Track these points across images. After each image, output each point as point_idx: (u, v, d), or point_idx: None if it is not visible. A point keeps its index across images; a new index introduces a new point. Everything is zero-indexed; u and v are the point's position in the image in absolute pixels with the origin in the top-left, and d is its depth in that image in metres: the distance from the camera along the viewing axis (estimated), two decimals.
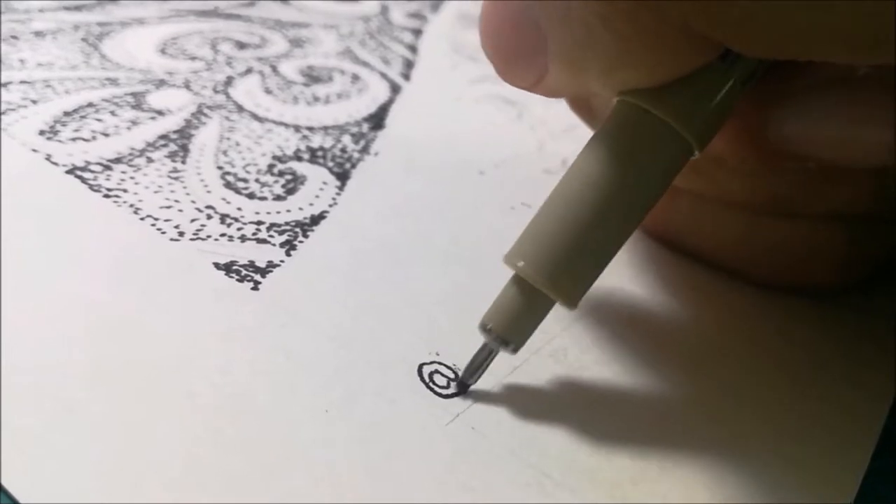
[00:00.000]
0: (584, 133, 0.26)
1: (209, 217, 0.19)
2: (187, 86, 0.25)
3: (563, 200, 0.15)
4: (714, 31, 0.13)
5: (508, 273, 0.15)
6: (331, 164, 0.22)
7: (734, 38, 0.13)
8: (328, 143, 0.23)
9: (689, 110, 0.14)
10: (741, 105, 0.15)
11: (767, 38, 0.13)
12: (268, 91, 0.25)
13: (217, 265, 0.17)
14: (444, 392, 0.15)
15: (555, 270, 0.14)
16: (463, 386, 0.16)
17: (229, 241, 0.18)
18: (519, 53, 0.15)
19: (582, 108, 0.19)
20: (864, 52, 0.12)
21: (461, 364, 0.16)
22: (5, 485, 0.12)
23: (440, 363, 0.16)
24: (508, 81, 0.16)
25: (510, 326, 0.15)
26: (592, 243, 0.14)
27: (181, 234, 0.18)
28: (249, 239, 0.18)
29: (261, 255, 0.18)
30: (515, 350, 0.15)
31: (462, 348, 0.16)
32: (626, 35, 0.13)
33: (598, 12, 0.13)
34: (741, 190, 0.18)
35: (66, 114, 0.22)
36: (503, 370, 0.16)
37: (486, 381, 0.16)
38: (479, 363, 0.15)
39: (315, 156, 0.22)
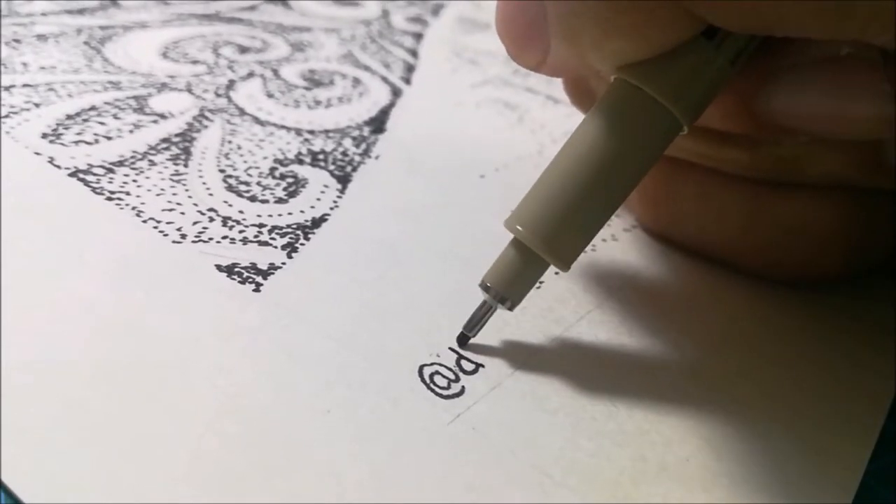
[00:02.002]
0: None
1: (211, 220, 0.19)
2: (189, 89, 0.25)
3: (559, 170, 0.16)
4: (697, 6, 0.14)
5: None
6: (332, 167, 0.22)
7: (714, 12, 0.14)
8: (329, 146, 0.23)
9: (677, 88, 0.15)
10: (733, 82, 0.16)
11: (742, 12, 0.14)
12: (269, 95, 0.25)
13: (219, 267, 0.18)
14: (445, 393, 0.15)
15: (549, 235, 0.15)
16: (464, 338, 0.17)
17: (231, 243, 0.18)
18: (525, 33, 0.16)
19: (583, 96, 0.20)
20: (833, 27, 0.14)
21: (461, 365, 0.16)
22: (9, 484, 0.12)
23: (441, 364, 0.16)
24: (518, 61, 0.17)
25: (508, 285, 0.16)
26: (585, 211, 0.16)
27: (183, 236, 0.18)
28: (251, 241, 0.19)
29: (262, 257, 0.18)
30: (512, 307, 0.16)
31: (462, 349, 0.17)
32: (616, 5, 0.14)
33: None
34: (745, 158, 0.19)
35: (69, 117, 0.22)
36: (504, 371, 0.16)
37: (487, 382, 0.16)
38: (479, 318, 0.17)
39: (316, 159, 0.22)
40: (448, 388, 0.16)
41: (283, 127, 0.24)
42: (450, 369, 0.16)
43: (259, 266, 0.18)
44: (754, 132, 0.18)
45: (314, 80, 0.27)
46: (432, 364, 0.16)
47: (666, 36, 0.15)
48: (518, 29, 0.16)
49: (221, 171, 0.21)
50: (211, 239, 0.18)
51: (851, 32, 0.14)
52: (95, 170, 0.20)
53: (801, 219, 0.19)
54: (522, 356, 0.17)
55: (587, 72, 0.18)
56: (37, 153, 0.20)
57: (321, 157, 0.23)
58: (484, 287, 0.16)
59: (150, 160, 0.21)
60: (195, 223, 0.19)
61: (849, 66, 0.16)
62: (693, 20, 0.15)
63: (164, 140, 0.22)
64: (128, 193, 0.19)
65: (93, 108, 0.23)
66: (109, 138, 0.21)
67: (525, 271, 0.16)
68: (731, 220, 0.20)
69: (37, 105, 0.22)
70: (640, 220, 0.22)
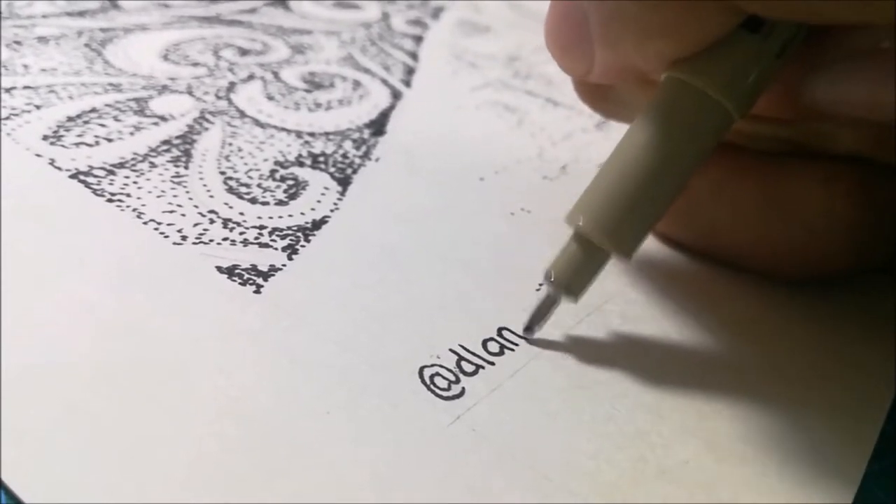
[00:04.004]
0: (583, 140, 0.26)
1: (212, 221, 0.19)
2: (190, 91, 0.25)
3: (617, 165, 0.16)
4: None
5: (508, 279, 0.17)
6: (332, 169, 0.22)
7: (753, 2, 0.14)
8: (330, 148, 0.23)
9: (727, 81, 0.16)
10: (781, 73, 0.17)
11: (781, 2, 0.14)
12: (270, 97, 0.25)
13: (220, 269, 0.18)
14: (445, 394, 0.15)
15: (611, 227, 0.16)
16: (530, 331, 0.17)
17: (232, 245, 0.18)
18: (571, 43, 0.17)
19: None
20: (868, 13, 0.14)
21: (461, 366, 0.16)
22: (9, 484, 0.12)
23: (441, 365, 0.16)
24: (567, 71, 0.18)
25: (572, 277, 0.17)
26: (644, 203, 0.16)
27: (184, 238, 0.18)
28: (252, 243, 0.19)
29: (263, 259, 0.18)
30: (576, 299, 0.17)
31: (462, 351, 0.17)
32: (652, 5, 0.15)
33: None
34: (768, 131, 0.19)
35: (70, 119, 0.22)
36: (504, 372, 0.16)
37: (487, 384, 0.16)
38: (545, 311, 0.17)
39: (317, 161, 0.22)
40: (448, 389, 0.16)
41: (283, 129, 0.24)
42: (450, 371, 0.16)
43: (259, 268, 0.18)
44: (794, 118, 0.18)
45: (314, 83, 0.27)
46: (432, 365, 0.16)
47: (704, 31, 0.15)
48: (563, 39, 0.17)
49: (222, 173, 0.21)
50: (211, 241, 0.18)
51: (883, 15, 0.14)
52: (96, 171, 0.20)
53: (815, 212, 0.19)
54: (522, 359, 0.17)
55: (633, 75, 0.18)
56: (37, 155, 0.20)
57: (321, 159, 0.23)
58: (548, 279, 0.17)
59: (150, 162, 0.21)
60: (196, 225, 0.19)
61: (890, 58, 0.16)
62: (729, 13, 0.15)
63: (165, 142, 0.22)
64: (128, 195, 0.19)
65: (93, 110, 0.23)
66: (110, 140, 0.21)
67: (588, 263, 0.17)
68: (744, 214, 0.20)
69: (37, 107, 0.22)
70: None
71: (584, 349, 0.17)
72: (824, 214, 0.19)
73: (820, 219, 0.19)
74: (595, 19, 0.16)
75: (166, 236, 0.18)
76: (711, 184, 0.20)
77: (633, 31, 0.16)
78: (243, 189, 0.21)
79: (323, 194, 0.21)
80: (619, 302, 0.19)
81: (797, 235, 0.19)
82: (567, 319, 0.18)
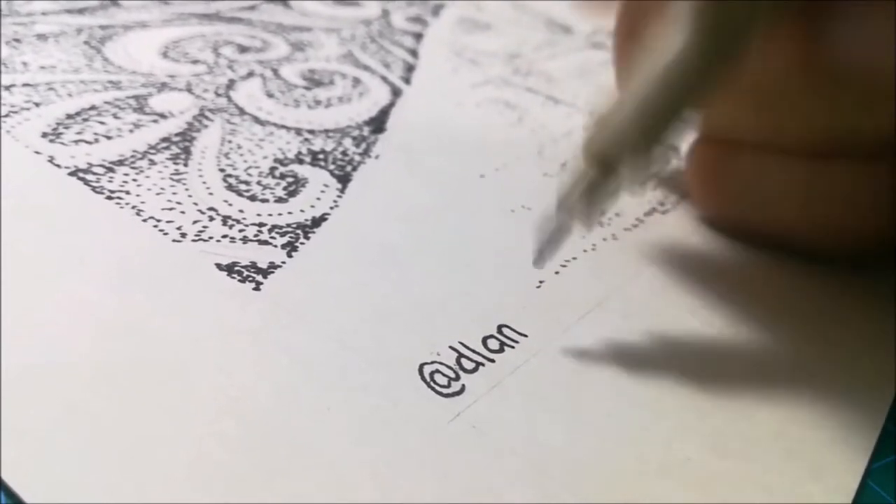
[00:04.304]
0: (582, 138, 0.26)
1: (211, 219, 0.19)
2: (189, 89, 0.25)
3: (632, 90, 0.16)
4: None
5: (508, 277, 0.17)
6: (332, 166, 0.22)
7: None
8: (329, 146, 0.23)
9: None
10: (793, 27, 0.17)
11: None
12: (269, 94, 0.25)
13: (219, 266, 0.18)
14: (445, 391, 0.15)
15: (622, 146, 0.16)
16: (541, 260, 0.17)
17: (231, 242, 0.18)
18: None
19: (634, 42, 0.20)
20: None
21: (461, 363, 0.16)
22: (10, 484, 0.12)
23: (441, 363, 0.16)
24: None
25: (584, 203, 0.16)
26: (658, 121, 0.16)
27: (183, 235, 0.18)
28: (251, 240, 0.19)
29: (263, 256, 0.18)
30: (591, 226, 0.17)
31: (462, 348, 0.17)
32: None
33: None
34: (800, 130, 0.19)
35: (69, 116, 0.22)
36: (504, 369, 0.16)
37: (487, 381, 0.16)
38: (557, 239, 0.17)
39: (316, 158, 0.22)
40: (448, 386, 0.16)
41: (282, 126, 0.24)
42: (450, 368, 0.16)
43: (259, 265, 0.18)
44: (815, 84, 0.17)
45: (314, 80, 0.27)
46: (432, 362, 0.16)
47: None
48: None
49: (221, 170, 0.21)
50: (211, 238, 0.18)
51: None
52: (95, 169, 0.20)
53: (858, 188, 0.19)
54: (522, 355, 0.17)
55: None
56: (37, 152, 0.20)
57: (321, 156, 0.23)
58: (561, 207, 0.17)
59: (150, 159, 0.21)
60: (195, 222, 0.19)
61: None
62: None
63: (164, 139, 0.22)
64: (128, 192, 0.19)
65: (93, 107, 0.23)
66: (109, 138, 0.21)
67: (600, 188, 0.16)
68: (789, 194, 0.20)
69: (37, 104, 0.22)
70: (697, 202, 0.23)
71: (585, 346, 0.17)
72: (868, 191, 0.19)
73: (863, 196, 0.19)
74: None
75: (166, 234, 0.18)
76: (756, 164, 0.20)
77: None
78: (243, 186, 0.21)
79: (323, 191, 0.21)
80: (619, 299, 0.19)
81: (841, 213, 0.19)
82: (567, 317, 0.18)
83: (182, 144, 0.22)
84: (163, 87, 0.25)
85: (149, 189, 0.20)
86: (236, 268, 0.18)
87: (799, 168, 0.20)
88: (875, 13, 0.16)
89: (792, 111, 0.19)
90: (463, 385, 0.16)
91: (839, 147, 0.19)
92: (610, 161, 0.16)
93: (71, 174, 0.20)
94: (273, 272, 0.18)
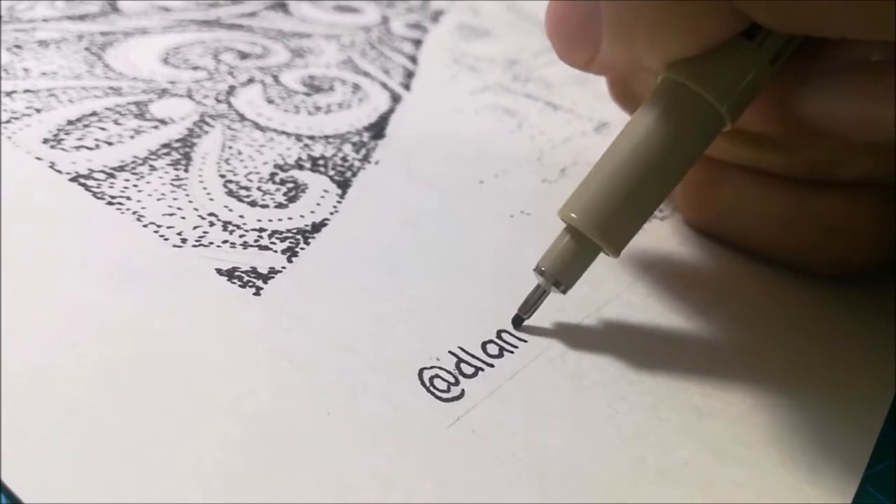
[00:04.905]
0: (582, 144, 0.26)
1: (212, 224, 0.19)
2: (190, 95, 0.25)
3: (610, 162, 0.17)
4: (740, 3, 0.15)
5: (507, 282, 0.17)
6: (332, 172, 0.22)
7: (760, 10, 0.15)
8: (329, 151, 0.23)
9: (722, 86, 0.16)
10: (771, 84, 0.17)
11: (786, 13, 0.15)
12: (269, 100, 0.26)
13: (219, 271, 0.18)
14: (445, 396, 0.16)
15: (602, 222, 0.16)
16: (518, 320, 0.18)
17: (231, 247, 0.18)
18: (576, 33, 0.17)
19: (629, 97, 0.21)
20: (869, 27, 0.14)
21: (461, 368, 0.16)
22: (10, 485, 0.12)
23: (440, 367, 0.16)
24: (567, 60, 0.18)
25: (562, 269, 0.17)
26: (635, 200, 0.17)
27: (184, 240, 0.18)
28: (251, 246, 0.19)
29: (263, 261, 0.18)
30: (566, 290, 0.17)
31: (461, 353, 0.17)
32: (667, 4, 0.15)
33: None
34: (780, 160, 0.19)
35: (70, 122, 0.22)
36: (504, 374, 0.16)
37: (487, 385, 0.16)
38: (534, 301, 0.17)
39: (316, 164, 0.23)
40: (448, 391, 0.16)
41: (283, 132, 0.24)
42: (450, 372, 0.16)
43: (259, 270, 0.18)
44: (788, 135, 0.18)
45: (314, 86, 0.27)
46: (432, 367, 0.16)
47: (714, 33, 0.16)
48: (569, 28, 0.17)
49: (222, 176, 0.21)
50: (211, 243, 0.18)
51: (887, 32, 0.14)
52: (96, 175, 0.20)
53: (838, 218, 0.19)
54: (521, 361, 0.17)
55: (633, 70, 0.19)
56: (38, 158, 0.20)
57: (321, 162, 0.23)
58: (539, 271, 0.17)
59: (150, 165, 0.21)
60: (195, 228, 0.19)
61: (879, 71, 0.16)
62: (739, 18, 0.16)
63: (165, 145, 0.22)
64: (128, 198, 0.19)
65: (94, 113, 0.23)
66: (110, 143, 0.21)
67: (578, 256, 0.17)
68: (770, 219, 0.20)
69: (38, 110, 0.22)
70: (685, 217, 0.23)
71: (583, 351, 0.17)
72: (848, 221, 0.19)
73: (844, 226, 0.19)
74: (609, 13, 0.16)
75: (166, 239, 0.18)
76: (738, 195, 0.21)
77: (645, 28, 0.16)
78: (243, 192, 0.21)
79: (322, 197, 0.21)
80: (617, 304, 0.19)
81: (822, 240, 0.20)
82: (566, 322, 0.18)
83: (183, 150, 0.22)
84: (163, 93, 0.25)
85: (149, 195, 0.20)
86: (236, 273, 0.18)
87: (780, 196, 0.20)
88: (848, 83, 0.17)
89: (774, 147, 0.19)
90: (462, 390, 0.16)
91: (820, 175, 0.19)
92: (587, 234, 0.17)
93: (72, 180, 0.20)
94: (273, 277, 0.18)
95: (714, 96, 0.16)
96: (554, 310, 0.18)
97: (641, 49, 0.17)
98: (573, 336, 0.18)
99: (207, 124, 0.23)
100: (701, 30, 0.16)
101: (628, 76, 0.20)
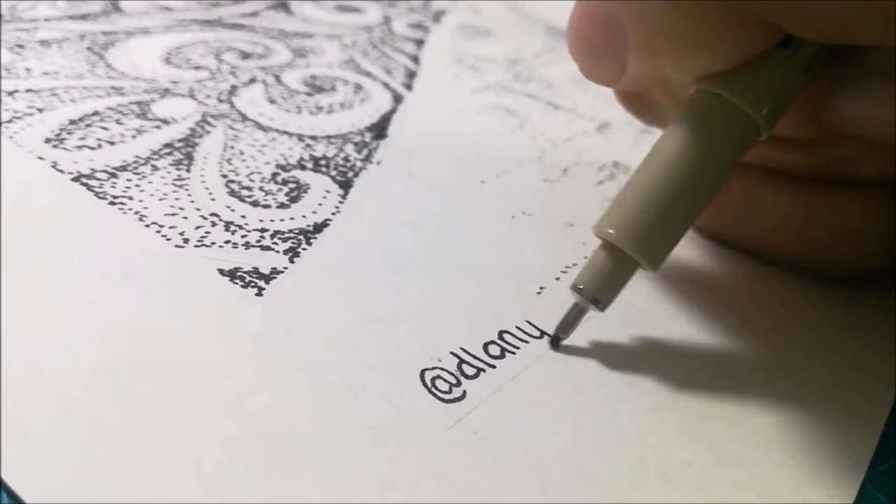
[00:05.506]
0: (584, 143, 0.26)
1: (213, 224, 0.19)
2: (192, 95, 0.25)
3: (646, 176, 0.16)
4: (771, 15, 0.15)
5: (509, 282, 0.17)
6: (334, 172, 0.22)
7: (790, 22, 0.15)
8: (331, 152, 0.23)
9: (758, 95, 0.16)
10: (805, 90, 0.17)
11: (818, 23, 0.15)
12: (271, 100, 0.26)
13: (221, 271, 0.18)
14: (447, 397, 0.16)
15: (640, 237, 0.16)
16: (556, 340, 0.17)
17: (234, 247, 0.18)
18: (602, 50, 0.17)
19: (641, 106, 0.21)
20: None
21: (462, 369, 0.16)
22: (10, 485, 0.12)
23: (442, 368, 0.16)
24: (592, 78, 0.18)
25: (600, 287, 0.17)
26: (673, 213, 0.16)
27: (186, 240, 0.18)
28: (253, 246, 0.19)
29: (265, 261, 0.18)
30: (604, 308, 0.17)
31: (463, 354, 0.17)
32: (695, 20, 0.15)
33: (671, 2, 0.15)
34: (799, 159, 0.19)
35: (72, 122, 0.22)
36: (505, 375, 0.16)
37: (488, 386, 0.16)
38: (572, 320, 0.17)
39: (318, 164, 0.23)
40: (449, 392, 0.16)
41: (284, 132, 0.24)
42: (451, 373, 0.16)
43: (261, 270, 0.18)
44: (817, 137, 0.18)
45: (316, 86, 0.27)
46: (434, 368, 0.16)
47: (744, 48, 0.16)
48: (594, 47, 0.17)
49: (224, 176, 0.21)
50: (213, 243, 0.18)
51: None
52: (98, 174, 0.20)
53: (852, 220, 0.19)
54: (523, 362, 0.17)
55: (661, 84, 0.18)
56: (40, 158, 0.20)
57: (323, 162, 0.23)
58: (576, 289, 0.17)
59: (152, 165, 0.21)
60: (198, 228, 0.19)
61: None
62: (769, 32, 0.15)
63: (167, 145, 0.22)
64: (131, 198, 0.19)
65: (96, 113, 0.23)
66: (112, 143, 0.21)
67: (616, 273, 0.17)
68: (782, 222, 0.20)
69: (40, 110, 0.22)
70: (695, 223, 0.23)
71: (585, 353, 0.17)
72: (861, 222, 0.19)
73: (857, 227, 0.19)
74: (635, 28, 0.16)
75: (168, 239, 0.18)
76: (750, 196, 0.20)
77: (673, 43, 0.16)
78: (245, 192, 0.21)
79: (324, 197, 0.21)
80: (619, 306, 0.19)
81: (835, 241, 0.20)
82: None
83: (185, 150, 0.22)
84: (165, 92, 0.25)
85: (151, 194, 0.20)
86: (238, 273, 0.18)
87: (793, 196, 0.20)
88: (879, 88, 0.17)
89: (795, 147, 0.19)
90: (464, 391, 0.16)
91: (837, 172, 0.19)
92: (626, 250, 0.16)
93: (74, 179, 0.20)
94: (275, 277, 0.18)
95: (750, 105, 0.16)
96: (557, 310, 0.18)
97: (671, 65, 0.16)
98: (575, 338, 0.18)
99: (209, 124, 0.23)
100: (733, 45, 0.16)
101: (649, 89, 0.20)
